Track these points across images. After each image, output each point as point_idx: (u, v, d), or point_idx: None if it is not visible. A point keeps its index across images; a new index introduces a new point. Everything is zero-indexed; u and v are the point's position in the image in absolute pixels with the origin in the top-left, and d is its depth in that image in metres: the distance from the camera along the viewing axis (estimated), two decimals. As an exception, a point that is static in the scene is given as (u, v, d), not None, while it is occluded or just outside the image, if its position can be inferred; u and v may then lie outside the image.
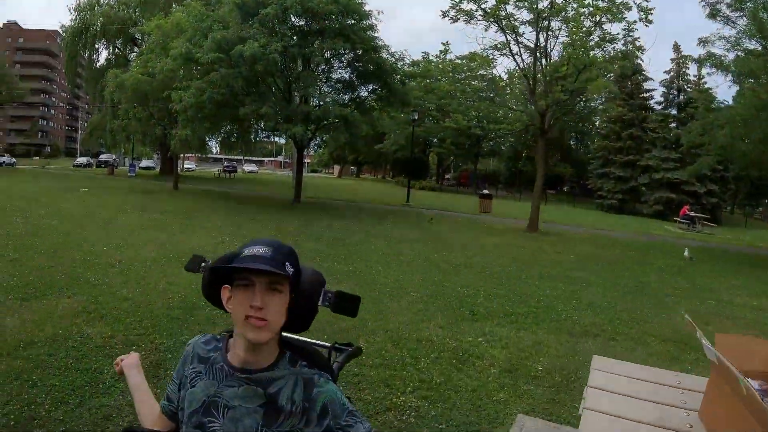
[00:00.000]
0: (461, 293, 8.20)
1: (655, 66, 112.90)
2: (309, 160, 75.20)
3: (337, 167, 71.27)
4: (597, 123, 51.23)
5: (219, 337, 1.60)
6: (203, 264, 1.94)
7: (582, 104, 44.75)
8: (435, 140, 50.08)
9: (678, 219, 29.04)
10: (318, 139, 25.05)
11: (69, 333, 5.29)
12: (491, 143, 51.85)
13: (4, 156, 47.12)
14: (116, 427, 3.66)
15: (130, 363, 1.84)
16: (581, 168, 50.72)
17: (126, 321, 5.74)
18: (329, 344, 2.14)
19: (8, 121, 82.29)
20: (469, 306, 7.45)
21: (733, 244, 23.01)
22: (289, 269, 1.41)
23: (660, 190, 36.93)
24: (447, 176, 62.20)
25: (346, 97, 23.91)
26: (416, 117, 31.30)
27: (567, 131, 50.39)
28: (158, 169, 45.96)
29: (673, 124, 42.03)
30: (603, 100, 46.57)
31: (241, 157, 68.05)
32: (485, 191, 27.93)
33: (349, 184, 45.69)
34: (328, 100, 21.88)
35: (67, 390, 4.11)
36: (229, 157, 62.78)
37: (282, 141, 65.90)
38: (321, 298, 1.71)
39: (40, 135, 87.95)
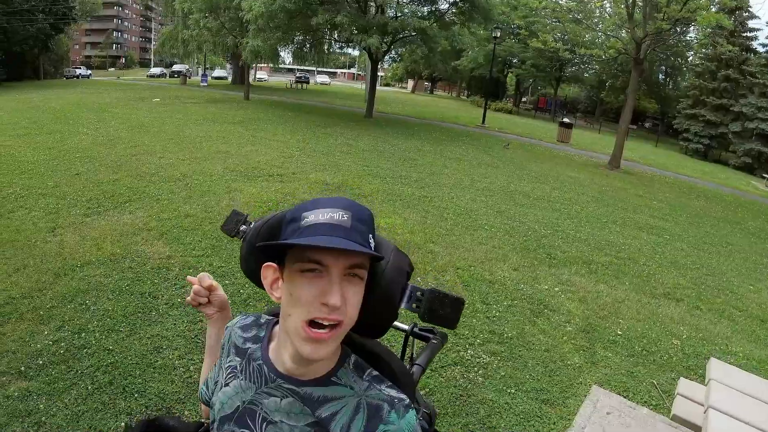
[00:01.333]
0: (538, 232, 7.72)
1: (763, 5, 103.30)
2: (382, 74, 73.64)
3: (410, 82, 69.55)
4: (690, 59, 47.60)
5: (263, 321, 1.18)
6: (243, 227, 1.45)
7: (679, 36, 41.51)
8: (515, 61, 47.91)
9: (766, 176, 27.03)
10: (393, 52, 24.08)
11: (127, 252, 5.20)
12: (574, 69, 49.17)
13: (80, 68, 48.23)
14: (166, 361, 3.50)
15: (218, 317, 1.38)
16: (666, 105, 47.68)
17: (186, 241, 5.61)
18: (407, 326, 1.61)
19: (83, 35, 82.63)
20: (547, 248, 7.00)
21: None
22: (372, 243, 1.00)
23: (751, 141, 34.23)
24: (524, 99, 59.97)
25: (425, 10, 22.57)
26: (498, 35, 29.63)
27: (656, 64, 47.22)
28: (230, 79, 45.80)
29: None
30: (700, 34, 42.93)
31: (314, 69, 67.03)
32: (565, 120, 26.51)
33: (422, 100, 44.56)
34: (405, 11, 20.79)
35: (119, 317, 4.02)
36: (302, 68, 62.04)
37: (355, 53, 64.73)
38: (405, 297, 1.17)
39: (114, 47, 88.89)
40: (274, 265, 1.02)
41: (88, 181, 7.60)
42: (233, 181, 8.22)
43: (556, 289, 5.58)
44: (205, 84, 37.75)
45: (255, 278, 1.16)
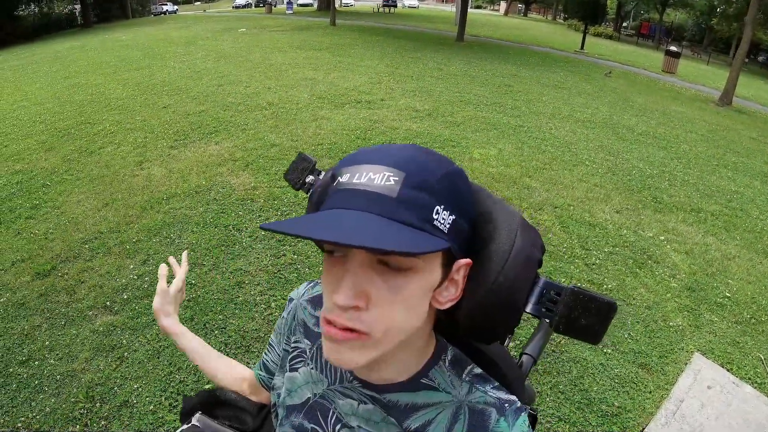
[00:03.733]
0: (643, 171, 7.10)
1: None
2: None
3: (503, 4, 66.33)
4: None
5: None
6: (309, 177, 1.15)
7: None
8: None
9: None
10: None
11: (212, 183, 5.16)
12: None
13: (167, 4, 48.79)
14: (246, 297, 3.40)
15: (168, 320, 1.20)
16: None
17: (271, 171, 5.50)
18: None
19: None
20: (652, 190, 6.42)
21: None
22: (445, 221, 0.65)
23: None
24: (625, 24, 56.30)
25: None
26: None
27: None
28: (316, 5, 45.07)
29: None
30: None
31: None
32: (672, 48, 24.54)
33: (516, 24, 42.48)
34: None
35: (203, 249, 3.99)
36: None
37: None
38: (534, 297, 0.79)
39: None
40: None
41: (175, 114, 7.64)
42: (320, 109, 8.02)
43: (662, 237, 5.09)
44: (291, 12, 37.41)
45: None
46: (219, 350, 2.84)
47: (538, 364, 3.10)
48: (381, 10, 45.35)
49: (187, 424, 1.05)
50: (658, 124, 10.67)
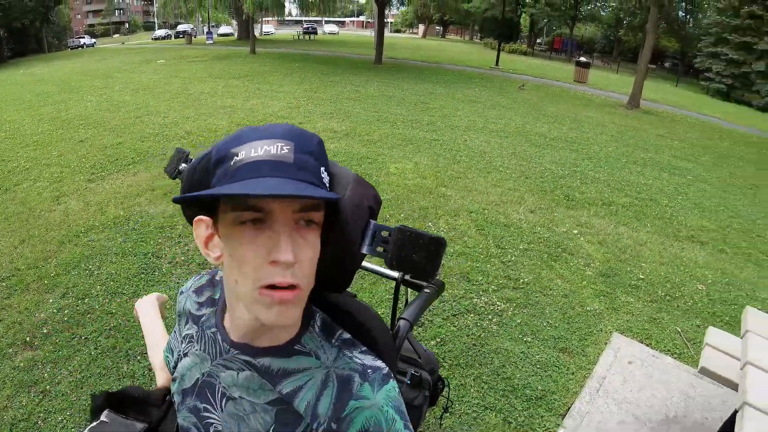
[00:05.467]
0: (555, 173, 7.47)
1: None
2: (392, 20, 72.04)
3: (421, 27, 68.10)
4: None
5: (217, 280, 1.00)
6: (182, 165, 1.25)
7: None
8: (528, 0, 46.68)
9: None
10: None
11: (130, 214, 5.14)
12: (591, 7, 47.84)
13: (84, 38, 47.71)
14: (169, 321, 3.39)
15: (144, 303, 1.45)
16: (687, 44, 46.16)
17: None
18: (397, 275, 1.39)
19: (84, 3, 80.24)
20: (564, 189, 6.75)
21: None
22: (325, 179, 0.77)
23: (778, 81, 33.21)
24: (538, 40, 58.61)
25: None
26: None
27: (677, 1, 45.76)
28: (236, 34, 45.02)
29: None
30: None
31: (322, 19, 65.71)
32: (582, 59, 25.74)
33: (433, 45, 43.56)
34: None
35: (123, 279, 3.96)
36: (309, 18, 60.76)
37: (362, 0, 63.04)
38: (368, 238, 0.89)
39: (116, 13, 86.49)
40: (206, 218, 0.79)
41: (92, 147, 7.53)
42: (239, 135, 8.07)
43: (575, 231, 5.37)
44: (211, 42, 37.15)
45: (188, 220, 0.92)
46: (142, 375, 2.87)
47: (460, 359, 3.23)
48: (301, 37, 45.62)
49: (96, 421, 1.10)
50: (570, 129, 11.19)
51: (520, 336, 3.49)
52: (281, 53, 25.94)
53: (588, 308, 3.93)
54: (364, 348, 0.85)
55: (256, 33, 28.39)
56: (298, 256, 0.71)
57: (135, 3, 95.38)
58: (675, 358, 3.45)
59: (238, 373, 0.84)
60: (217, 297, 0.96)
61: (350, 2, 78.07)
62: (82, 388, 2.88)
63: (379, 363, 0.82)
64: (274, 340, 0.83)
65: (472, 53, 34.92)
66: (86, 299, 3.65)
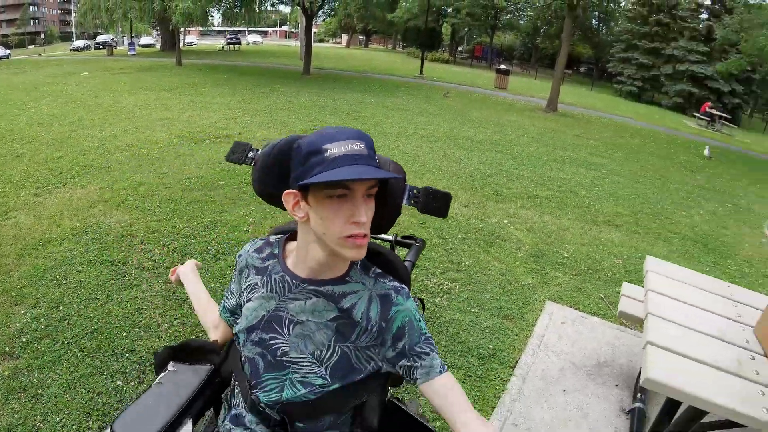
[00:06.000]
0: (484, 172, 8.09)
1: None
2: (316, 30, 72.27)
3: (344, 37, 68.64)
4: (623, 4, 48.75)
5: (273, 240, 1.36)
6: (251, 154, 1.62)
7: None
8: (450, 10, 47.99)
9: (697, 115, 28.23)
10: (327, 6, 23.62)
11: (87, 225, 5.19)
12: (510, 16, 49.72)
13: None
14: (149, 320, 3.62)
15: (185, 270, 1.71)
16: (600, 50, 48.91)
17: (144, 207, 5.64)
18: (390, 237, 1.89)
19: None
20: (493, 186, 7.37)
21: (751, 149, 22.48)
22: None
23: (682, 83, 35.69)
24: (459, 49, 60.24)
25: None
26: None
27: (590, 10, 48.23)
28: (159, 45, 43.96)
29: (705, 15, 39.77)
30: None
31: (245, 29, 64.88)
32: (502, 66, 26.91)
33: (358, 55, 44.16)
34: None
35: (93, 285, 4.05)
36: (233, 29, 60.01)
37: (286, 10, 62.90)
38: (406, 195, 1.46)
39: (32, 23, 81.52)
40: (294, 191, 1.14)
41: (31, 162, 7.39)
42: (180, 147, 8.20)
43: (505, 221, 5.95)
44: (134, 53, 36.14)
45: (270, 198, 1.33)
46: (134, 370, 3.04)
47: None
48: (225, 48, 45.14)
49: (164, 372, 1.37)
50: (494, 133, 11.89)
51: (468, 308, 3.97)
52: (208, 65, 25.85)
53: (523, 283, 4.48)
54: (391, 277, 1.27)
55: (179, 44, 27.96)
56: (367, 216, 1.11)
57: (51, 12, 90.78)
58: (600, 317, 4.05)
59: (305, 301, 1.22)
60: (276, 252, 1.32)
61: (274, 12, 77.47)
62: (75, 388, 2.96)
63: (403, 285, 1.26)
64: (333, 274, 1.23)
65: (396, 62, 35.65)
66: (60, 307, 3.73)
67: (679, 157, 13.56)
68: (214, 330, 1.51)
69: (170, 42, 33.24)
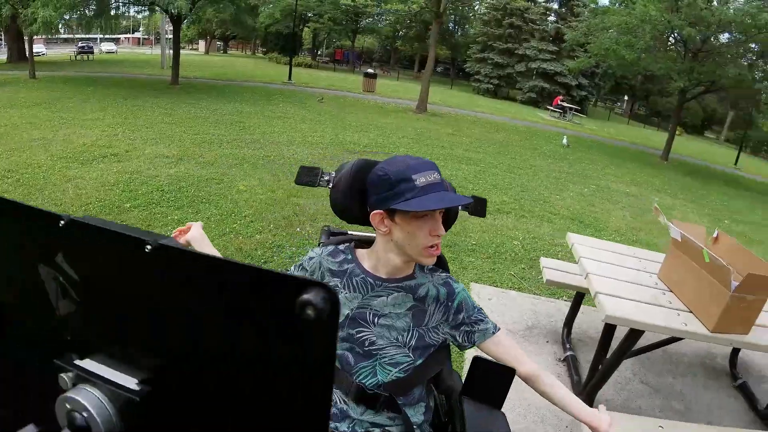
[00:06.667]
0: (379, 175, 8.48)
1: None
2: (170, 36, 69.52)
3: (202, 43, 66.54)
4: (477, 8, 51.79)
5: (342, 248, 1.60)
6: (326, 177, 1.80)
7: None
8: (311, 15, 48.27)
9: (550, 107, 30.93)
10: (194, 13, 22.79)
11: None
12: (370, 21, 50.92)
13: None
14: None
15: (196, 235, 1.72)
16: (456, 51, 51.56)
17: None
18: None
19: None
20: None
21: (599, 135, 25.03)
22: None
23: (534, 80, 38.80)
24: (318, 52, 60.66)
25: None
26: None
27: (447, 14, 50.50)
28: (6, 57, 40.32)
29: (552, 18, 43.35)
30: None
31: (97, 36, 60.81)
32: (370, 70, 27.72)
33: (220, 62, 42.95)
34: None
35: None
36: (84, 36, 55.74)
37: (140, 15, 59.82)
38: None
39: None
40: (380, 211, 1.43)
41: None
42: (68, 169, 7.78)
43: None
44: (-27, 66, 33.10)
45: (342, 213, 1.62)
46: None
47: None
48: (78, 57, 42.33)
49: None
50: (377, 136, 12.43)
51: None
52: (65, 77, 24.18)
53: (444, 272, 5.00)
54: (440, 269, 1.63)
55: (26, 54, 25.76)
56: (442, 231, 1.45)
57: None
58: (516, 290, 4.70)
59: (387, 297, 1.49)
60: (350, 257, 1.56)
61: (126, 18, 73.33)
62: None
63: (449, 274, 1.63)
64: (405, 273, 1.53)
65: (260, 68, 35.34)
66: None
67: (542, 148, 14.96)
68: None
69: (19, 53, 30.58)
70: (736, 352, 3.87)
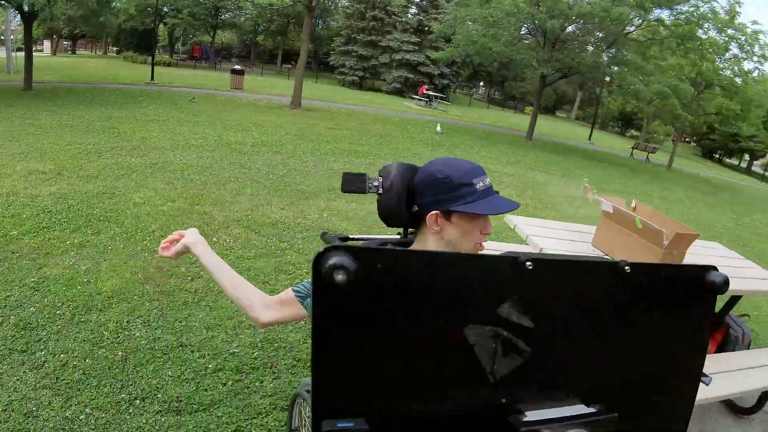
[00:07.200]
0: (276, 173, 8.50)
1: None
2: (12, 37, 64.05)
3: (47, 43, 61.46)
4: (340, 1, 52.00)
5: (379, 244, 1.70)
6: (375, 182, 1.69)
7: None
8: (167, 10, 46.13)
9: (416, 97, 31.89)
10: (47, 9, 20.84)
11: None
12: (230, 15, 49.61)
13: None
14: None
15: (195, 240, 1.66)
16: (319, 44, 51.50)
17: None
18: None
19: None
20: (293, 186, 7.84)
21: (465, 120, 26.19)
22: None
23: (399, 70, 39.81)
24: (175, 49, 58.23)
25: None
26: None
27: (317, 7, 50.23)
28: None
29: (414, 10, 44.42)
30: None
31: None
32: (237, 67, 27.01)
33: (70, 63, 39.78)
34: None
35: None
36: None
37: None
38: None
39: None
40: (438, 212, 1.51)
41: None
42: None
43: (325, 215, 6.59)
44: None
45: (393, 220, 1.65)
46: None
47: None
48: None
49: None
50: (260, 134, 12.28)
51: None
52: None
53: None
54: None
55: None
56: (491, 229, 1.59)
57: None
58: None
59: None
60: None
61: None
62: None
63: None
64: None
65: (115, 69, 33.24)
66: None
67: (419, 136, 15.50)
68: (265, 309, 1.57)
69: None
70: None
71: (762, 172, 58.15)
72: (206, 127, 12.82)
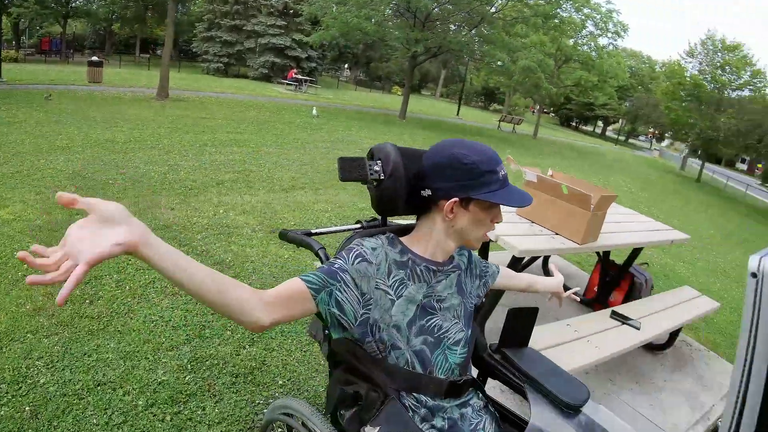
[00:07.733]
0: (158, 171, 7.95)
1: None
2: None
3: None
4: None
5: (391, 237, 1.51)
6: (376, 167, 1.49)
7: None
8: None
9: (285, 81, 31.58)
10: None
11: None
12: (83, 1, 46.35)
13: None
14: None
15: (145, 240, 0.99)
16: (179, 31, 49.20)
17: None
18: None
19: None
20: (181, 182, 7.44)
21: (337, 102, 26.38)
22: None
23: (265, 55, 38.89)
24: (21, 43, 53.59)
25: None
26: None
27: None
28: None
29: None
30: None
31: None
32: (94, 58, 25.30)
33: None
34: None
35: None
36: None
37: None
38: None
39: None
40: (456, 199, 1.41)
41: None
42: None
43: (221, 211, 6.28)
44: None
45: (392, 208, 1.56)
46: None
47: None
48: None
49: None
50: (131, 129, 11.54)
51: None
52: None
53: (285, 256, 5.11)
54: (464, 247, 1.68)
55: None
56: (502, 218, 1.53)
57: None
58: None
59: (446, 279, 1.55)
60: (401, 247, 1.50)
61: None
62: None
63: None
64: (452, 252, 1.58)
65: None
66: None
67: (296, 121, 15.49)
68: (266, 309, 1.18)
69: None
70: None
71: (615, 136, 66.37)
72: (70, 126, 11.85)
